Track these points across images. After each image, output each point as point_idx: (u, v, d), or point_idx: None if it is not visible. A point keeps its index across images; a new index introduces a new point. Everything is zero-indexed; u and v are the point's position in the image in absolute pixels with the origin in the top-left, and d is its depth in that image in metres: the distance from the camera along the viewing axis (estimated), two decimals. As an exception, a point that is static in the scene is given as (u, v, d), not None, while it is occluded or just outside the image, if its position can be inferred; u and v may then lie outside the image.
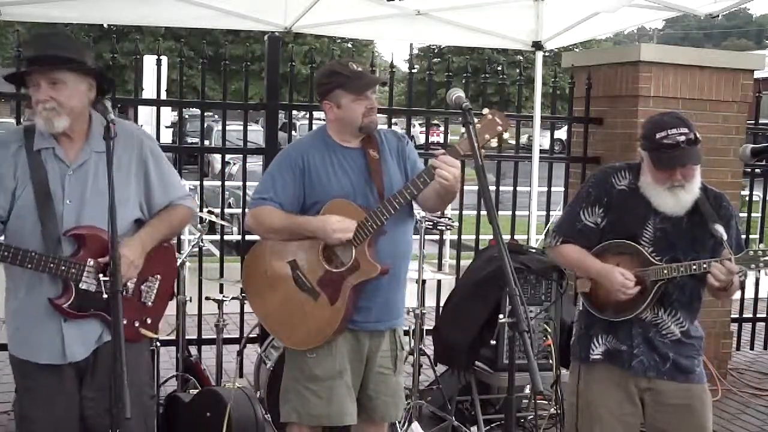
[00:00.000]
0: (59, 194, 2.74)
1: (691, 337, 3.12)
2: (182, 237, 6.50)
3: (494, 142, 2.93)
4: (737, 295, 6.32)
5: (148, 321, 2.91)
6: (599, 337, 3.15)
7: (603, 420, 3.14)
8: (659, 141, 2.89)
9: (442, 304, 5.09)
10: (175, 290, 3.25)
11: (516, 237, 5.71)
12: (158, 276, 2.93)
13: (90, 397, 2.80)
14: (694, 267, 2.92)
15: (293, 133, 6.50)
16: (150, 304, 2.92)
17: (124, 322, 2.78)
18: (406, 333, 4.42)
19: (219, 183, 5.76)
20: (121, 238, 2.75)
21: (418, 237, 4.24)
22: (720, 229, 2.92)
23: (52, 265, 2.68)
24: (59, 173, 2.74)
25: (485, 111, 2.93)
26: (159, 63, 5.30)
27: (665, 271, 2.98)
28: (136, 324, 2.87)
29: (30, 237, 2.72)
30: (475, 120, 2.87)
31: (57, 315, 2.75)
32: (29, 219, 2.73)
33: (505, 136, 2.92)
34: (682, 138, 2.86)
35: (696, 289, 3.09)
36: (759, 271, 2.94)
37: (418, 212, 3.89)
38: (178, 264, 3.09)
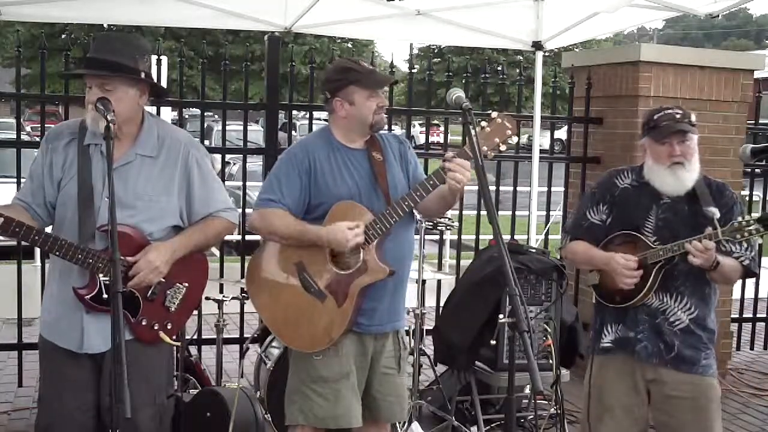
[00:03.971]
0: (99, 189, 2.81)
1: (702, 327, 3.17)
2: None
3: (503, 146, 2.91)
4: (737, 294, 6.35)
5: (169, 326, 2.95)
6: (609, 326, 3.26)
7: (612, 409, 3.22)
8: (657, 119, 3.10)
9: (442, 304, 5.09)
10: (201, 302, 3.28)
11: (516, 237, 5.71)
12: (186, 284, 2.97)
13: (106, 391, 2.83)
14: (687, 245, 2.99)
15: (293, 133, 6.50)
16: (173, 309, 2.95)
17: (143, 323, 2.88)
18: (406, 333, 4.41)
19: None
20: (155, 242, 2.85)
21: (418, 237, 4.24)
22: (713, 210, 3.00)
23: (79, 255, 2.74)
24: (102, 169, 2.79)
25: (494, 114, 2.89)
26: (159, 63, 5.30)
27: (661, 252, 3.08)
28: (156, 327, 2.91)
29: (68, 227, 2.82)
30: (484, 123, 2.87)
31: (80, 305, 2.81)
32: (69, 209, 2.83)
33: (514, 140, 2.90)
34: (678, 115, 3.09)
35: (702, 274, 3.11)
36: (746, 242, 3.05)
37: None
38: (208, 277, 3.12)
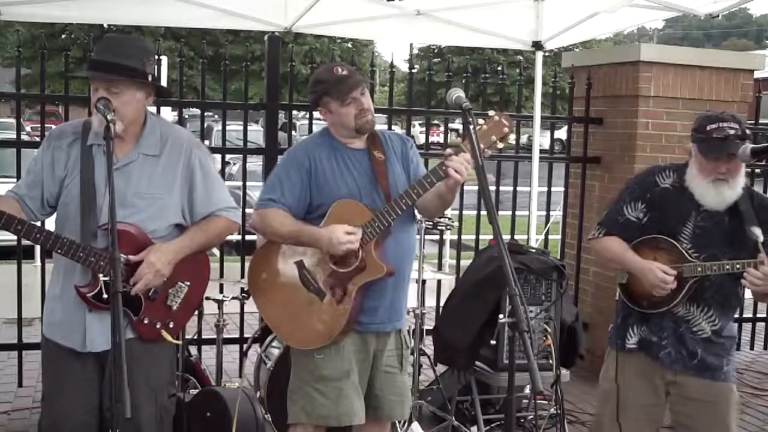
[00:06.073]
0: (102, 188, 2.81)
1: (723, 336, 3.16)
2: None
3: (500, 144, 2.92)
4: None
5: (171, 324, 2.96)
6: (634, 327, 3.24)
7: (628, 407, 3.21)
8: (709, 132, 2.97)
9: (442, 304, 5.09)
10: (203, 301, 3.29)
11: (516, 237, 5.71)
12: (187, 282, 2.98)
13: (108, 389, 2.82)
14: (728, 267, 2.97)
15: (293, 133, 6.50)
16: (175, 308, 2.96)
17: (145, 321, 2.89)
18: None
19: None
20: (157, 241, 2.86)
21: (418, 237, 4.24)
22: (757, 231, 2.96)
23: (81, 254, 2.76)
24: (105, 168, 2.78)
25: (491, 113, 2.91)
26: (159, 63, 5.28)
27: (699, 269, 3.04)
28: (158, 325, 2.92)
29: (71, 226, 2.83)
30: (481, 121, 2.88)
31: (83, 304, 2.82)
32: (72, 208, 2.84)
33: (511, 138, 2.91)
34: (732, 132, 2.94)
35: (733, 288, 3.12)
36: None
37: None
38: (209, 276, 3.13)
